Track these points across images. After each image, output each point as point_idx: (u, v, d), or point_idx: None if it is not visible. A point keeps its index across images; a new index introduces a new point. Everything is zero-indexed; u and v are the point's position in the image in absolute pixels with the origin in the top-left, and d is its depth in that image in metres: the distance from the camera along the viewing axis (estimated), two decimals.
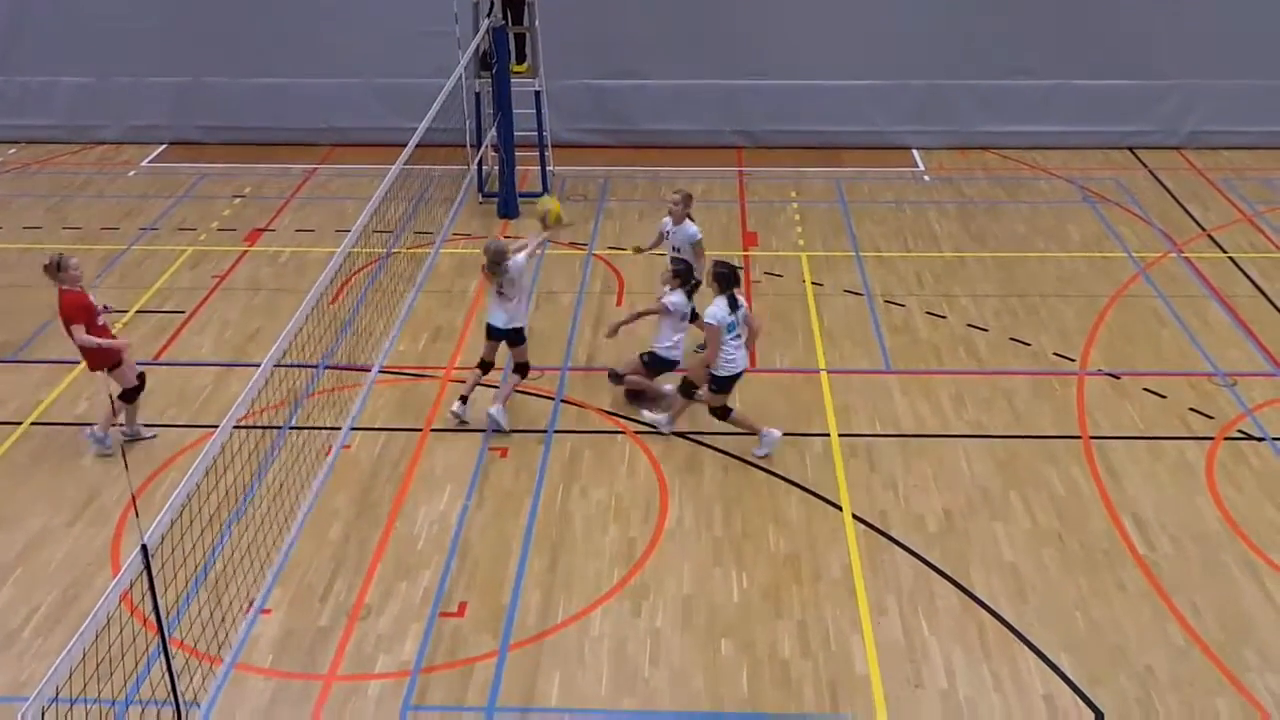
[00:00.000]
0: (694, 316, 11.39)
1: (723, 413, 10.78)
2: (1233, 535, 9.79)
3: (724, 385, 10.68)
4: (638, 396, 11.57)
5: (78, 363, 12.39)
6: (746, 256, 14.78)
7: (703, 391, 10.88)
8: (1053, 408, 11.55)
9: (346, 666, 8.54)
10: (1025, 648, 8.66)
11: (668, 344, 11.32)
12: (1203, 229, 15.55)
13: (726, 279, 10.48)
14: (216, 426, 7.63)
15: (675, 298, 11.19)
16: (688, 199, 11.96)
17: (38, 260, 14.83)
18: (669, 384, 11.46)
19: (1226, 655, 8.57)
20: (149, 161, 18.24)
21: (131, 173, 17.82)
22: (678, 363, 11.46)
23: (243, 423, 10.05)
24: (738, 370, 10.65)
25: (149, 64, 18.48)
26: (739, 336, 10.57)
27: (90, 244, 15.32)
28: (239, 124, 18.63)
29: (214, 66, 18.41)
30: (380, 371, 11.36)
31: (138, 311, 13.55)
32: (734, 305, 10.48)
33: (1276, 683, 8.32)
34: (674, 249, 11.93)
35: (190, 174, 17.68)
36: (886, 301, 13.61)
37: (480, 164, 16.04)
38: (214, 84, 18.50)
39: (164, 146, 18.73)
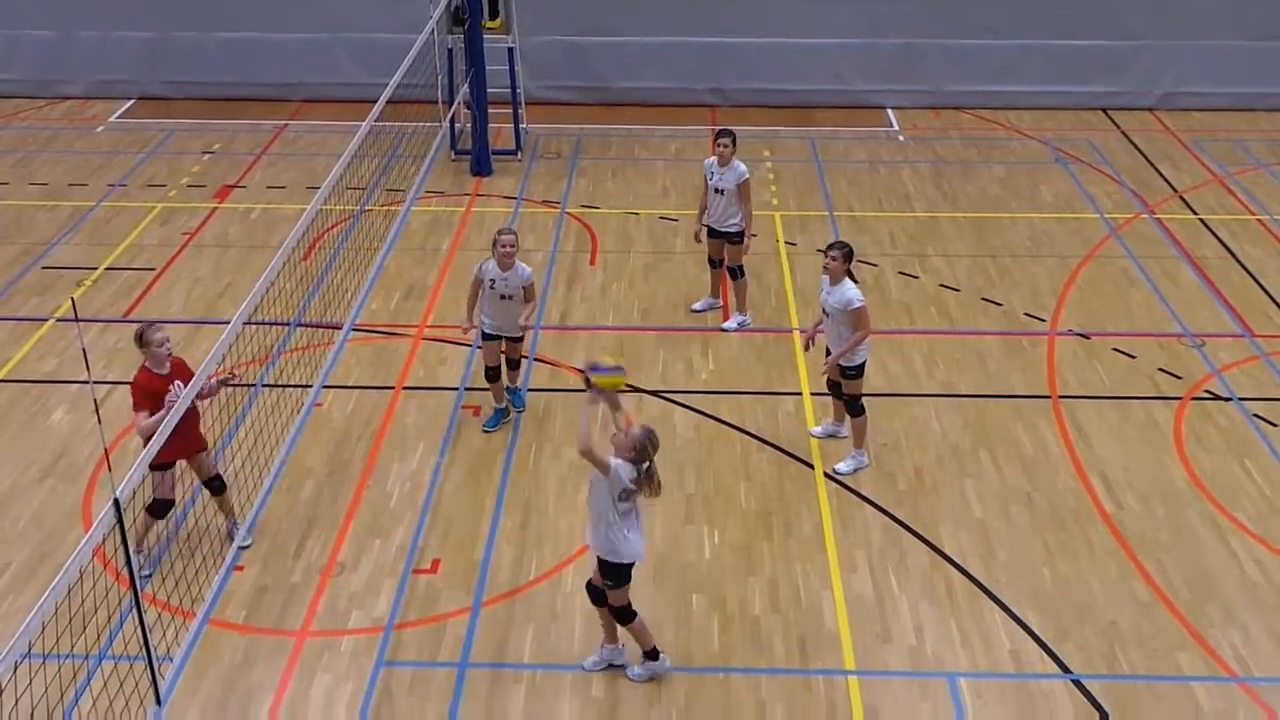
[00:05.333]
0: None
1: (860, 407, 9.97)
2: (1199, 494, 9.90)
3: (862, 371, 9.89)
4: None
5: (45, 320, 12.31)
6: None
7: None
8: (1023, 367, 11.63)
9: (320, 623, 8.56)
10: (993, 604, 8.75)
11: None
12: (1174, 190, 15.62)
13: (851, 255, 9.74)
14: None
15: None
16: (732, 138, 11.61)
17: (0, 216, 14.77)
18: None
19: (1190, 611, 8.69)
20: (117, 117, 18.02)
21: (99, 128, 17.61)
22: None
23: (213, 379, 10.01)
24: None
25: (116, 18, 18.22)
26: None
27: (58, 201, 15.15)
28: (208, 79, 18.41)
29: (182, 21, 18.17)
30: (352, 329, 11.34)
31: (107, 269, 13.43)
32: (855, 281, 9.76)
33: (1238, 637, 8.45)
34: (717, 190, 11.68)
35: (159, 130, 17.48)
36: (859, 261, 13.59)
37: (453, 121, 15.94)
38: (182, 38, 18.26)
39: (132, 102, 18.50)
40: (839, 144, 17.17)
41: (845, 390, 10.03)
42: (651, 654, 8.03)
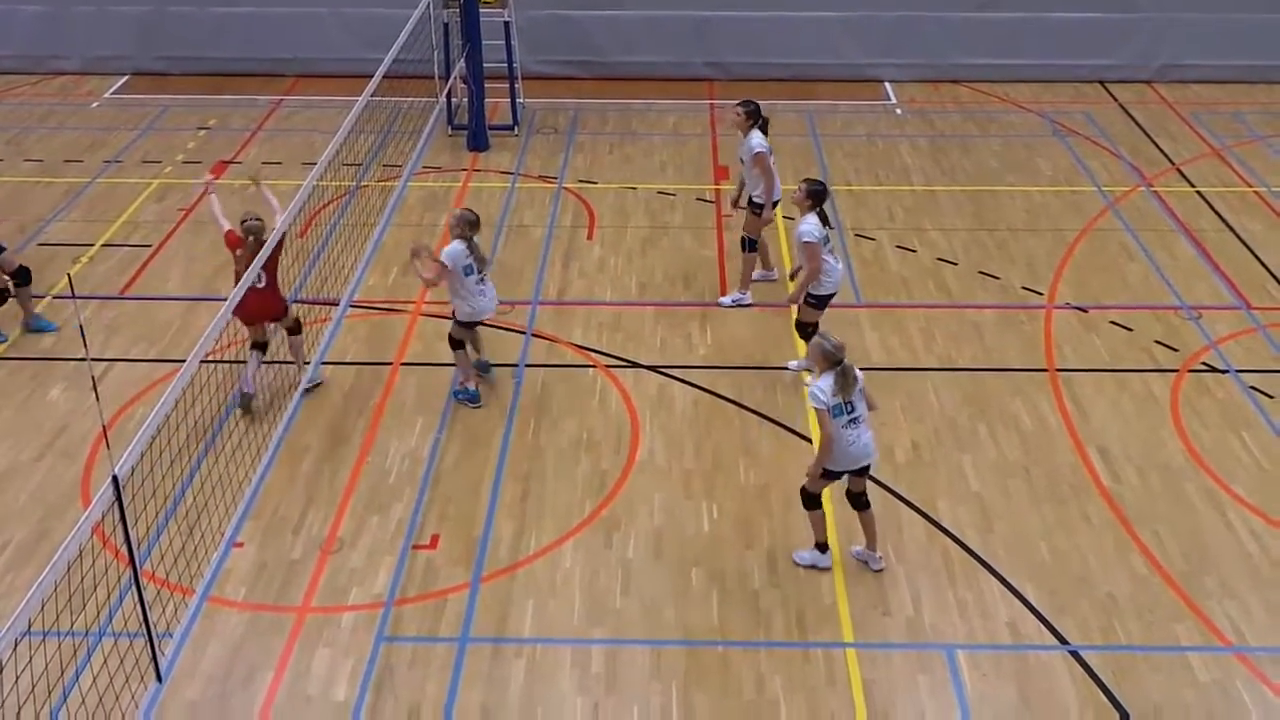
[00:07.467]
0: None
1: (813, 330, 10.47)
2: (1196, 466, 9.93)
3: (823, 302, 10.66)
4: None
5: (43, 297, 12.29)
6: (718, 190, 14.74)
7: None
8: (1020, 341, 11.64)
9: (320, 599, 8.58)
10: (990, 576, 8.79)
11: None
12: (1172, 163, 15.59)
13: (820, 195, 10.46)
14: (184, 360, 7.61)
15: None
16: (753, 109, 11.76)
17: None
18: None
19: (1187, 583, 8.73)
20: (112, 93, 17.94)
21: (94, 104, 17.54)
22: None
23: (211, 357, 10.05)
24: (837, 286, 10.64)
25: None
26: (833, 251, 10.64)
27: (52, 177, 15.11)
28: (203, 54, 18.32)
29: None
30: (350, 305, 11.33)
31: (103, 245, 13.40)
32: (825, 221, 10.48)
33: (1235, 609, 8.49)
34: (740, 160, 11.92)
35: (154, 106, 17.41)
36: (857, 235, 13.61)
37: (449, 96, 15.87)
38: (178, 13, 18.16)
39: (127, 77, 18.41)
40: (836, 117, 17.12)
41: (799, 317, 10.68)
42: (821, 545, 8.79)
